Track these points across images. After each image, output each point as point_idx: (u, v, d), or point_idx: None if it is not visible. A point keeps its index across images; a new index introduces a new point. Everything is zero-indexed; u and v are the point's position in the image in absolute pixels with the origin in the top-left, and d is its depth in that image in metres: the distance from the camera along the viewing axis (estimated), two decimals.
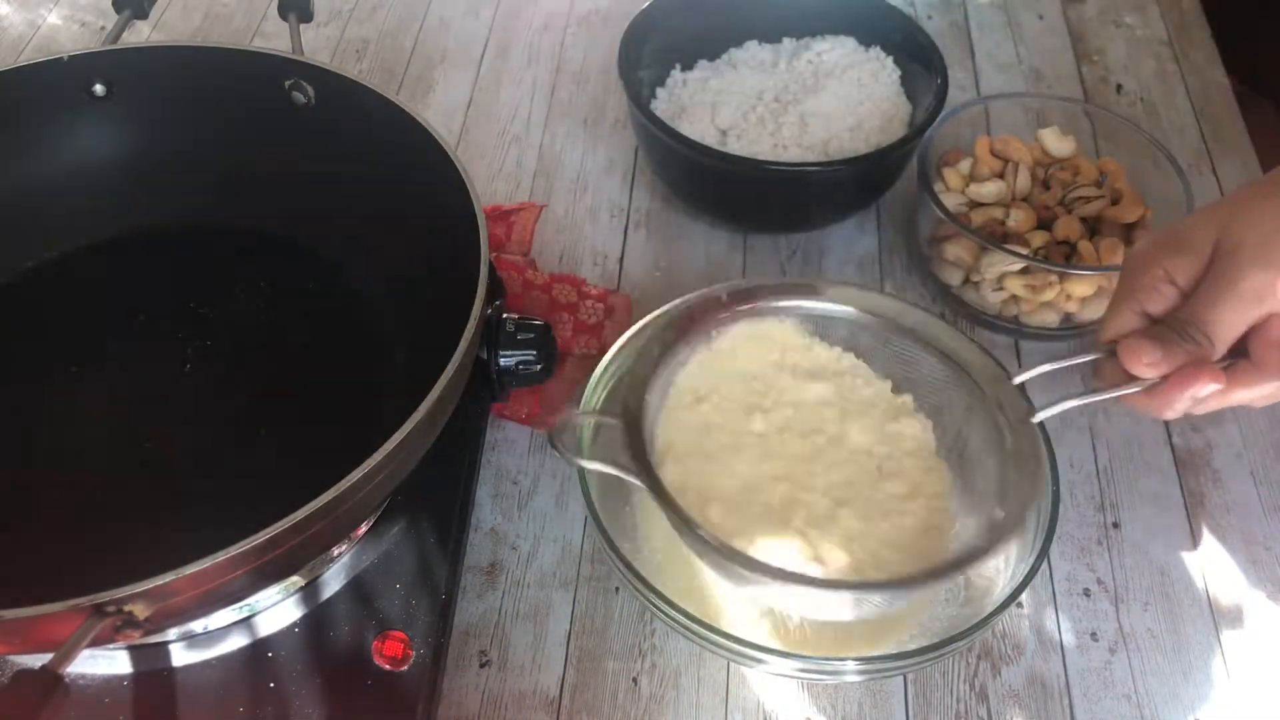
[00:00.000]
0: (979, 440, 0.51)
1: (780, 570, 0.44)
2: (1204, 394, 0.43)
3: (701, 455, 0.51)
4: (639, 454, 0.47)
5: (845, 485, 0.51)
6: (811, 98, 0.74)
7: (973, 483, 0.51)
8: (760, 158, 0.71)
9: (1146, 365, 0.43)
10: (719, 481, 0.50)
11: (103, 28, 0.91)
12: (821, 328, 0.55)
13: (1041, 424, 0.52)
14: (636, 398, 0.49)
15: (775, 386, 0.54)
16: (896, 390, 0.54)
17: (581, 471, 0.51)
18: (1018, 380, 0.49)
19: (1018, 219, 0.68)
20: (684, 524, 0.45)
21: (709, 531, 0.45)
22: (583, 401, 0.54)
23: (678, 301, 0.55)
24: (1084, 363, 0.48)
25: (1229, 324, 0.42)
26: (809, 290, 0.54)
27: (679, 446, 0.51)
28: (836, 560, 0.48)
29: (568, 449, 0.48)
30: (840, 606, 0.46)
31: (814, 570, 0.47)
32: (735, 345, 0.54)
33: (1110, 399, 0.46)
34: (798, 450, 0.52)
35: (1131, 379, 0.44)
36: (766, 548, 0.47)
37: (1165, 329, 0.44)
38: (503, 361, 0.57)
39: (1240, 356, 0.43)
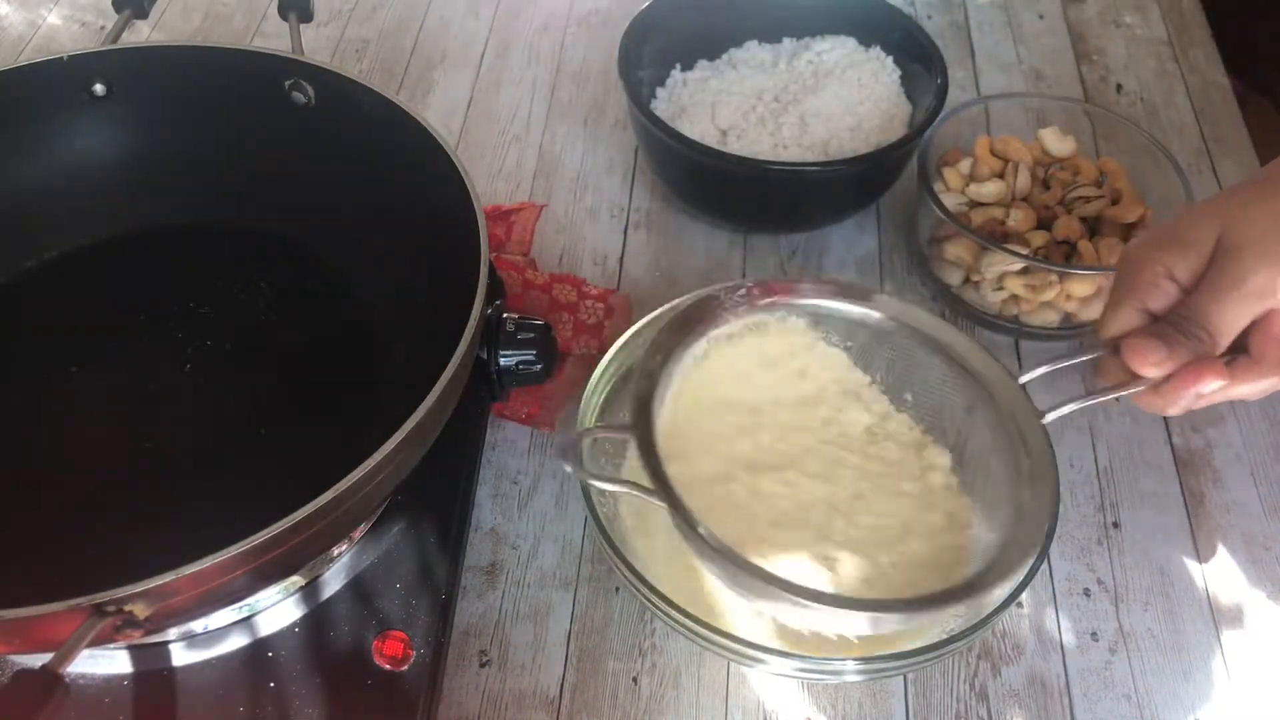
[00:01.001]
0: (981, 444, 0.51)
1: (795, 585, 0.43)
2: (1208, 390, 0.43)
3: (711, 466, 0.51)
4: (656, 472, 0.45)
5: (858, 498, 0.51)
6: (811, 98, 0.74)
7: (979, 490, 0.51)
8: (760, 158, 0.71)
9: (1153, 364, 0.43)
10: (730, 494, 0.50)
11: (103, 28, 0.91)
12: (821, 326, 0.55)
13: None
14: (644, 414, 0.47)
15: (782, 397, 0.54)
16: (898, 400, 0.54)
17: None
18: (1022, 380, 0.49)
19: (1018, 219, 0.68)
20: (700, 540, 0.44)
21: (725, 545, 0.43)
22: (582, 402, 0.54)
23: (677, 301, 0.55)
24: (1083, 362, 0.48)
25: (1232, 320, 0.42)
26: (807, 289, 0.53)
27: (689, 458, 0.51)
28: (850, 575, 0.47)
29: (582, 466, 0.47)
30: (853, 624, 0.44)
31: (826, 584, 0.46)
32: (739, 352, 0.54)
33: (1114, 397, 0.46)
34: (811, 462, 0.52)
35: (1135, 377, 0.44)
36: (779, 562, 0.47)
37: (1168, 327, 0.44)
38: (503, 361, 0.57)
39: (1239, 352, 0.43)
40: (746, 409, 0.53)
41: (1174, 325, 0.43)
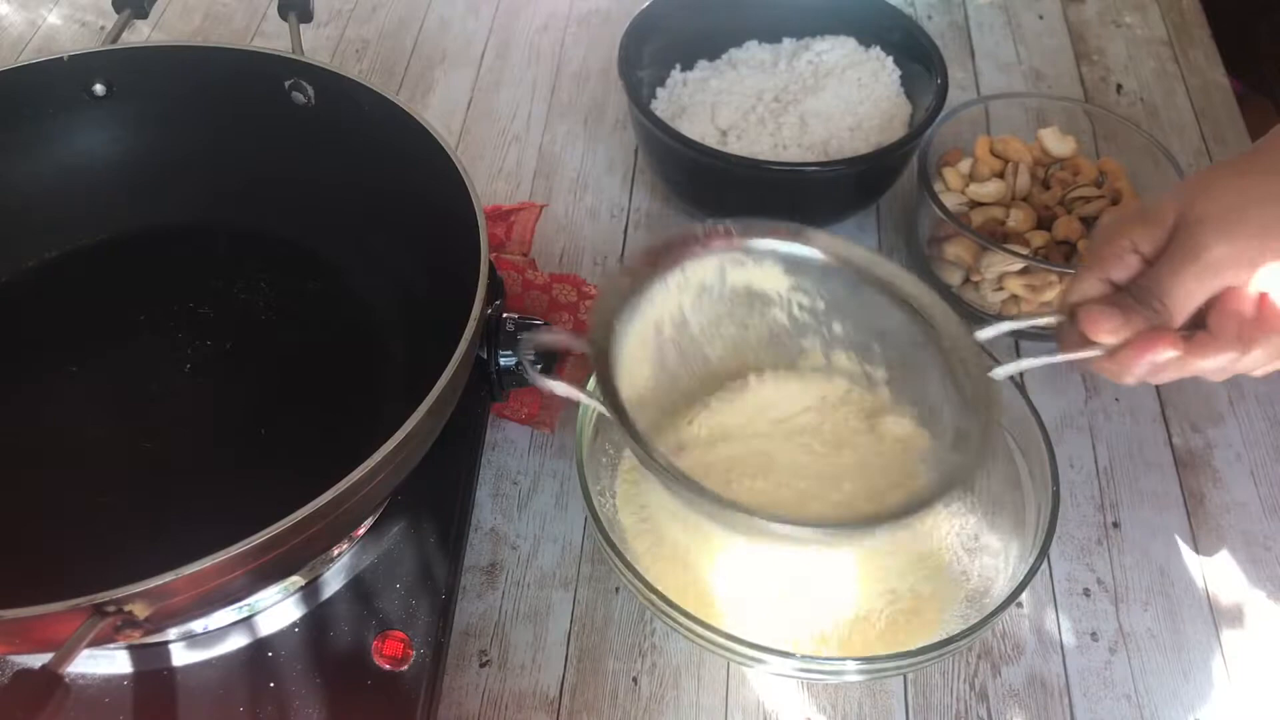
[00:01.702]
0: (938, 393, 0.51)
1: (734, 503, 0.44)
2: (1162, 359, 0.43)
3: (671, 395, 0.52)
4: (606, 383, 0.47)
5: (814, 433, 0.52)
6: (811, 98, 0.74)
7: (935, 433, 0.52)
8: (760, 158, 0.71)
9: (1107, 331, 0.44)
10: (688, 423, 0.51)
11: (103, 28, 0.91)
12: (795, 272, 0.54)
13: (1038, 418, 0.53)
14: (604, 329, 0.48)
15: (743, 333, 0.54)
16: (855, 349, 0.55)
17: (581, 471, 0.51)
18: (980, 336, 0.49)
19: (1018, 219, 0.68)
20: (650, 458, 0.45)
21: (674, 464, 0.45)
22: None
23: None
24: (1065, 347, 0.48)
25: (1188, 294, 0.43)
26: (783, 232, 0.53)
27: (650, 384, 0.51)
28: (799, 505, 0.49)
29: (532, 360, 0.48)
30: (799, 542, 0.47)
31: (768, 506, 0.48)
32: (707, 285, 0.54)
33: (1070, 361, 0.46)
34: (768, 398, 0.53)
35: (1092, 344, 0.45)
36: (730, 487, 0.48)
37: (1126, 296, 0.44)
38: (503, 361, 0.57)
39: (1199, 328, 0.44)
40: (713, 347, 0.54)
41: (1133, 295, 0.44)
